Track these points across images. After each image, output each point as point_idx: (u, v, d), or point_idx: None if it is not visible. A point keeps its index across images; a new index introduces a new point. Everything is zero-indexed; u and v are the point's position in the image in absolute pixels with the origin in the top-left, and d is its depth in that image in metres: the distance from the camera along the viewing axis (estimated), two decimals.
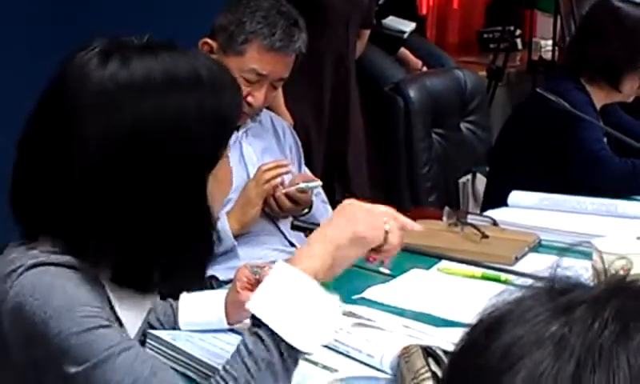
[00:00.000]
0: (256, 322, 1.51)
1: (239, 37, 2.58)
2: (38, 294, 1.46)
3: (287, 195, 2.61)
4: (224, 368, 1.50)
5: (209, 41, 2.62)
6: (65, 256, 1.49)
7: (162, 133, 1.48)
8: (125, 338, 1.50)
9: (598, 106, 3.29)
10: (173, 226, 1.51)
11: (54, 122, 1.51)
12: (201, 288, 1.90)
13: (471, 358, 0.78)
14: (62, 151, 1.49)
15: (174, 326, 1.89)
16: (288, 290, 1.52)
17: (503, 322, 0.77)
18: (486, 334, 0.78)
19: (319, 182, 2.71)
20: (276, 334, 1.48)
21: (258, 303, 1.52)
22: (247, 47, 2.58)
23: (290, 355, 1.49)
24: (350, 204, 1.65)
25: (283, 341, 1.48)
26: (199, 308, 1.89)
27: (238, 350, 1.50)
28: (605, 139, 3.20)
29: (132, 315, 1.56)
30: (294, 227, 2.03)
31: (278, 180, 2.59)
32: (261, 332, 1.49)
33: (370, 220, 1.63)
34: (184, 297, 1.90)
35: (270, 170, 2.60)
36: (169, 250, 1.52)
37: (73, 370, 1.44)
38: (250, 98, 2.59)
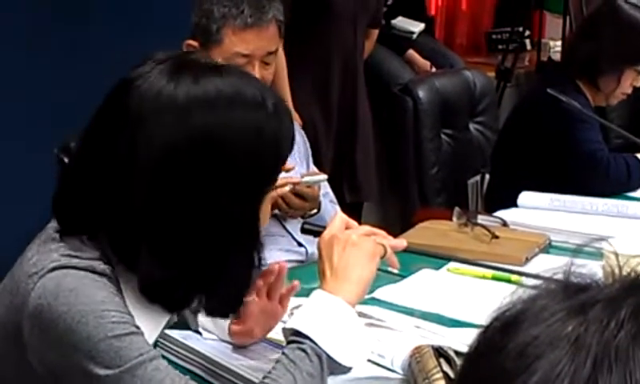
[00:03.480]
0: (298, 338, 1.55)
1: (212, 27, 2.57)
2: (62, 298, 1.46)
3: (294, 192, 2.60)
4: (267, 378, 1.52)
5: (192, 42, 2.61)
6: (88, 261, 1.49)
7: (225, 148, 1.50)
8: (152, 348, 1.51)
9: (593, 105, 3.26)
10: (218, 243, 1.52)
11: (116, 128, 1.52)
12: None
13: (486, 358, 0.77)
14: (121, 156, 1.50)
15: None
16: (328, 313, 1.58)
17: (518, 322, 0.76)
18: (501, 333, 0.77)
19: (324, 176, 2.70)
20: (320, 348, 1.54)
21: (300, 322, 1.57)
22: (223, 34, 2.57)
23: (329, 370, 1.55)
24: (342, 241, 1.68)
25: (326, 355, 1.54)
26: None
27: (281, 362, 1.53)
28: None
29: (148, 327, 1.55)
30: (303, 231, 2.02)
31: (286, 189, 2.58)
32: (305, 346, 1.54)
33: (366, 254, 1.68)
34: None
35: None
36: (211, 269, 1.53)
37: (102, 372, 1.44)
38: None
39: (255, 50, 2.57)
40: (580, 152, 3.12)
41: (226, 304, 1.62)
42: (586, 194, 2.83)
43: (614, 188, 2.98)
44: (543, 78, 3.57)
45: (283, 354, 1.54)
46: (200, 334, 1.88)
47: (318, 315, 1.57)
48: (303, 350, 1.53)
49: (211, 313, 1.66)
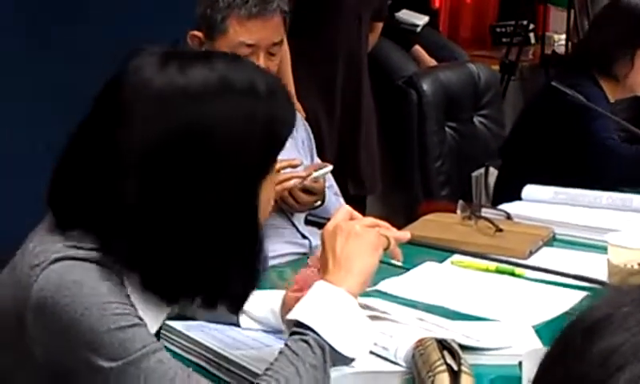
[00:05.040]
0: (301, 329, 1.54)
1: (217, 17, 2.57)
2: (65, 290, 1.45)
3: (303, 188, 2.60)
4: (270, 369, 1.50)
5: (196, 33, 2.61)
6: (90, 252, 1.48)
7: (213, 138, 1.49)
8: (155, 339, 1.50)
9: (612, 100, 3.29)
10: (215, 235, 1.51)
11: (108, 120, 1.51)
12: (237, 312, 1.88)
13: (566, 362, 0.75)
14: (112, 149, 1.49)
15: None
16: (330, 304, 1.57)
17: (601, 328, 0.74)
18: (582, 337, 0.75)
19: (330, 166, 2.70)
20: (323, 339, 1.52)
21: (303, 313, 1.56)
22: (227, 24, 2.57)
23: (332, 361, 1.54)
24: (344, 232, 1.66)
25: (329, 346, 1.53)
26: (258, 304, 1.88)
27: (284, 354, 1.52)
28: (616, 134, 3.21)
29: (149, 319, 1.55)
30: (307, 222, 2.02)
31: (291, 183, 2.57)
32: (308, 337, 1.53)
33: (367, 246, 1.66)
34: None
35: (282, 168, 2.58)
36: (209, 260, 1.51)
37: (106, 364, 1.44)
38: None
39: (260, 40, 2.56)
40: (593, 141, 3.14)
41: (231, 297, 1.60)
42: (601, 184, 2.82)
43: (628, 175, 2.99)
44: (557, 74, 3.60)
45: (286, 345, 1.53)
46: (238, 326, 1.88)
47: (321, 306, 1.56)
48: (306, 342, 1.52)
49: (213, 306, 1.64)
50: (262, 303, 1.87)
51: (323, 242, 1.67)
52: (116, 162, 1.49)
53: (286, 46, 3.18)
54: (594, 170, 3.04)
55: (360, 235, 1.65)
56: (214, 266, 1.52)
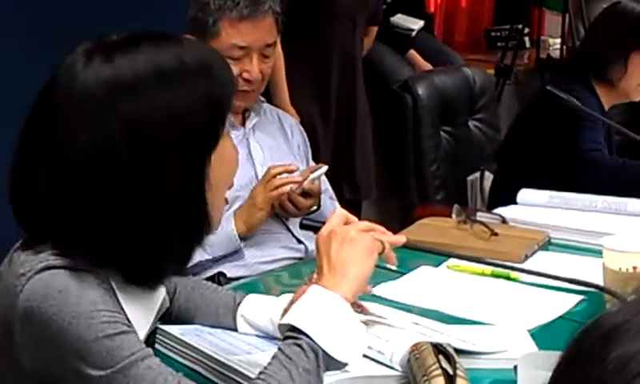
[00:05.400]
0: (295, 333, 1.53)
1: (209, 20, 2.57)
2: (52, 300, 1.44)
3: (301, 192, 2.60)
4: (263, 373, 1.50)
5: (188, 37, 2.60)
6: (74, 259, 1.48)
7: (154, 127, 1.46)
8: (144, 346, 1.50)
9: (607, 106, 3.30)
10: (172, 217, 1.49)
11: (45, 128, 1.50)
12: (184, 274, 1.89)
13: (582, 367, 0.75)
14: (54, 157, 1.48)
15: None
16: (324, 309, 1.56)
17: (620, 333, 0.74)
18: (600, 343, 0.74)
19: (325, 167, 2.69)
20: (317, 344, 1.52)
21: (296, 317, 1.55)
22: (219, 27, 2.56)
23: (325, 366, 1.53)
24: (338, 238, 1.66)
25: (322, 351, 1.52)
26: (258, 312, 1.88)
27: (277, 358, 1.51)
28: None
29: (141, 317, 1.56)
30: (303, 226, 2.02)
31: (287, 188, 2.57)
32: (301, 342, 1.52)
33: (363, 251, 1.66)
34: (248, 298, 1.91)
35: (278, 173, 2.58)
36: (167, 239, 1.51)
37: (94, 373, 1.44)
38: (245, 75, 2.57)
39: (252, 42, 2.56)
40: (577, 151, 3.14)
41: (176, 263, 1.59)
42: (582, 192, 2.82)
43: (608, 189, 2.99)
44: (553, 78, 3.60)
45: (279, 349, 1.53)
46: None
47: (315, 311, 1.56)
48: (299, 346, 1.51)
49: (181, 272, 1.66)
50: (262, 311, 1.87)
51: (318, 247, 1.67)
52: (59, 168, 1.47)
53: (279, 49, 3.18)
54: (578, 179, 3.04)
55: (355, 240, 1.65)
56: (175, 242, 1.52)
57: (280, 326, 1.62)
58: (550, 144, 3.20)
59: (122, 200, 1.47)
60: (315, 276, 1.70)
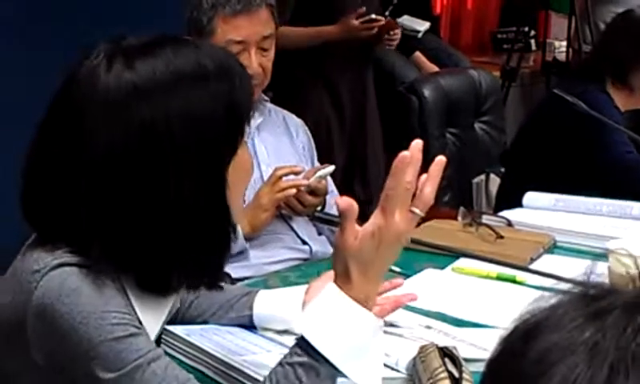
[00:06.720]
0: (314, 354, 1.41)
1: (203, 19, 2.57)
2: (65, 298, 1.45)
3: (309, 190, 2.59)
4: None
5: (187, 38, 2.60)
6: (89, 257, 1.48)
7: (173, 132, 1.46)
8: (154, 347, 1.49)
9: (623, 109, 3.31)
10: (194, 224, 1.49)
11: (65, 129, 1.50)
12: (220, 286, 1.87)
13: (507, 364, 0.78)
14: (74, 158, 1.48)
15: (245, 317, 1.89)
16: (351, 329, 1.42)
17: (540, 328, 0.77)
18: (523, 339, 0.77)
19: (332, 166, 2.69)
20: (339, 371, 1.41)
21: (320, 336, 1.41)
22: (214, 24, 2.56)
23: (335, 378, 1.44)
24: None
25: (340, 374, 1.41)
26: (276, 304, 1.86)
27: (286, 377, 1.42)
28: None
29: (152, 319, 1.55)
30: (314, 218, 2.00)
31: (293, 191, 2.57)
32: (319, 365, 1.41)
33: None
34: (262, 293, 1.89)
35: (284, 174, 2.57)
36: (189, 248, 1.50)
37: (103, 375, 1.44)
38: None
39: (248, 35, 2.56)
40: (614, 156, 3.17)
41: (208, 275, 1.58)
42: (622, 199, 2.81)
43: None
44: (562, 81, 3.62)
45: (293, 365, 1.42)
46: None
47: (340, 331, 1.41)
48: (315, 370, 1.41)
49: (196, 287, 1.63)
50: (281, 303, 1.86)
51: (346, 246, 1.46)
52: (79, 170, 1.47)
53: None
54: (612, 184, 3.03)
55: (399, 241, 1.49)
56: (194, 251, 1.50)
57: (300, 323, 1.51)
58: (570, 150, 3.20)
59: (143, 204, 1.47)
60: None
